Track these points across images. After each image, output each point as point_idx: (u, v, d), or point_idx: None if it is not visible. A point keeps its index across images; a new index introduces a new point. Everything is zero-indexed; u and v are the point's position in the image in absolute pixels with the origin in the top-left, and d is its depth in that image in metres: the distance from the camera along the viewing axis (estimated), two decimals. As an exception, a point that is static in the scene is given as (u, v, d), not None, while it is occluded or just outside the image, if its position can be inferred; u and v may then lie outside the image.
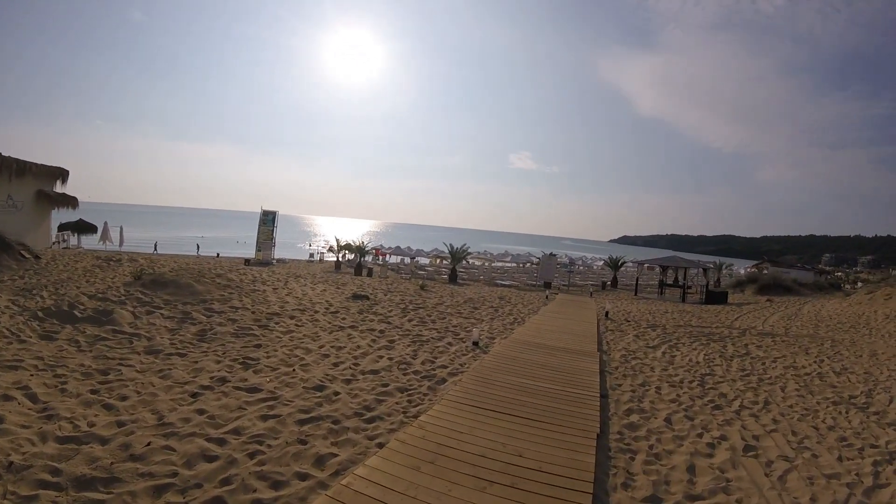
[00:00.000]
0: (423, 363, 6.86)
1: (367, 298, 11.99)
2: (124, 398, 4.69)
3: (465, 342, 8.46)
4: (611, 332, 11.22)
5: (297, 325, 8.41)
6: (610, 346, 9.51)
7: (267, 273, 14.77)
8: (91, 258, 12.27)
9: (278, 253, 40.35)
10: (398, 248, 42.77)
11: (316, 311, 9.63)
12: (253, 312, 8.80)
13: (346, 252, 32.18)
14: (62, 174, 18.75)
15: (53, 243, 20.25)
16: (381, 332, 8.63)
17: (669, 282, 26.26)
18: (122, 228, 34.60)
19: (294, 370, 5.91)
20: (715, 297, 21.90)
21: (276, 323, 8.35)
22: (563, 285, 28.12)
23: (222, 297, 9.50)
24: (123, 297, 8.61)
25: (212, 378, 5.44)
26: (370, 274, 24.81)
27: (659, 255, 32.19)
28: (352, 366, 6.36)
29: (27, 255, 10.04)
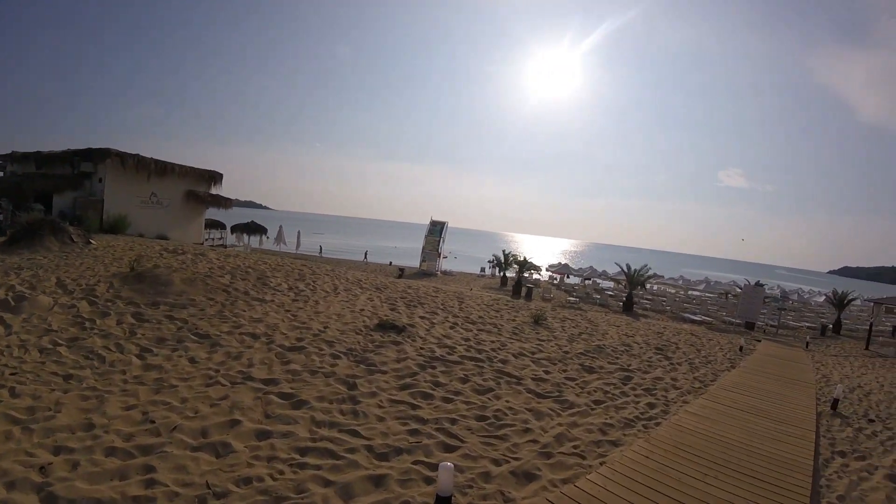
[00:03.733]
0: None
1: (400, 332, 7.99)
2: None
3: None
4: (839, 455, 5.78)
5: (160, 374, 6.12)
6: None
7: (343, 279, 11.80)
8: (155, 249, 12.41)
9: (465, 266, 39.39)
10: (565, 265, 38.68)
11: (275, 342, 7.25)
12: (167, 328, 6.93)
13: (516, 268, 30.30)
14: (213, 177, 21.15)
15: (206, 239, 22.96)
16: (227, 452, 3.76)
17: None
18: (299, 233, 38.65)
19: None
20: None
21: (149, 354, 6.33)
22: (771, 326, 22.11)
23: (187, 302, 7.93)
24: (83, 288, 7.80)
25: None
26: (529, 294, 22.11)
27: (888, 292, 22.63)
28: None
29: (76, 240, 10.45)
